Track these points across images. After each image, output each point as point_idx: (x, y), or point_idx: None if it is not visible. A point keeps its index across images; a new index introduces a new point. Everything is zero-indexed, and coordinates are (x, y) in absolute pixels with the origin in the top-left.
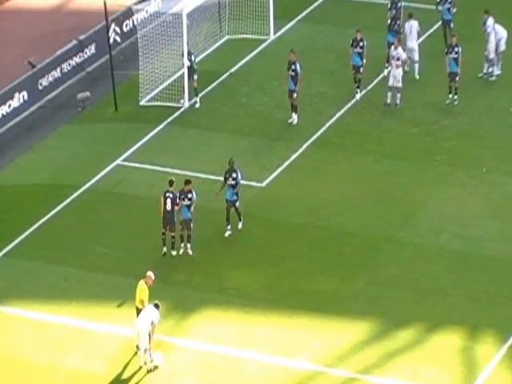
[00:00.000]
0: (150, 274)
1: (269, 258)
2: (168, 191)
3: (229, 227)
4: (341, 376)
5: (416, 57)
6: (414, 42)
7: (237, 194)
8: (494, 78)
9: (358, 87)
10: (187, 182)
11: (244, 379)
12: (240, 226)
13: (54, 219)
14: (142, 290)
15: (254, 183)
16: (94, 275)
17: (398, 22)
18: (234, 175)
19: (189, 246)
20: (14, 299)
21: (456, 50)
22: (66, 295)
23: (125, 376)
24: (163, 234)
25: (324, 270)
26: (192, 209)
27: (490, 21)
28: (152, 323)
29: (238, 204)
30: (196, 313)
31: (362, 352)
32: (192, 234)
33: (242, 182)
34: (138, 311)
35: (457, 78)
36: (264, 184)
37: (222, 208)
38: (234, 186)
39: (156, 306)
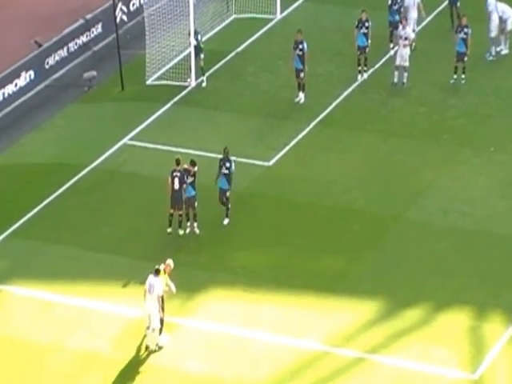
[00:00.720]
0: (169, 261)
1: (275, 238)
2: (175, 170)
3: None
4: (348, 356)
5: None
6: (415, 13)
7: (229, 183)
8: (501, 53)
9: (366, 65)
10: (192, 162)
11: (250, 359)
12: (226, 222)
13: (60, 199)
14: (164, 280)
15: (260, 162)
16: (100, 255)
17: (399, 1)
18: (227, 164)
19: (195, 224)
20: (19, 279)
21: (465, 30)
22: (72, 275)
23: (129, 356)
24: (170, 214)
25: (331, 249)
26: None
27: (492, 0)
28: (158, 296)
29: (228, 194)
30: (202, 292)
31: (369, 332)
32: (197, 212)
33: (249, 161)
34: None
35: (465, 59)
36: (271, 163)
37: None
38: (226, 175)
39: (156, 271)
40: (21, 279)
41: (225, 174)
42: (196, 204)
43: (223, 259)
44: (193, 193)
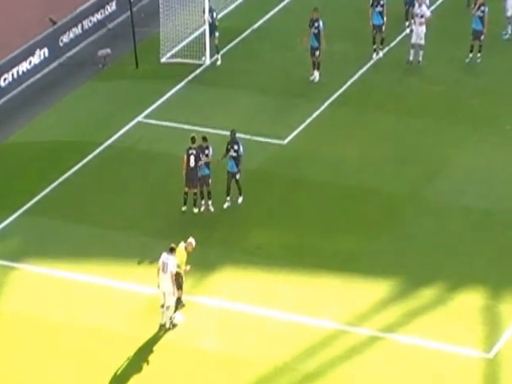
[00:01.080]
0: (191, 240)
1: (290, 216)
2: (191, 148)
3: (228, 198)
4: (363, 335)
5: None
6: None
7: (237, 165)
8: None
9: (382, 44)
10: (204, 138)
11: (264, 337)
12: (240, 200)
13: (74, 177)
14: (181, 253)
15: (275, 140)
16: (114, 233)
17: None
18: (235, 147)
19: (210, 202)
20: (33, 257)
21: (482, 8)
22: (86, 253)
23: (143, 334)
24: (185, 192)
25: (346, 228)
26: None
27: None
28: (171, 274)
29: (238, 176)
30: (216, 271)
31: (384, 310)
32: (211, 190)
33: (264, 139)
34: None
35: (481, 37)
36: (285, 142)
37: (245, 165)
38: (235, 158)
39: (171, 249)
40: (35, 257)
41: (233, 157)
42: (210, 182)
43: (237, 238)
44: (207, 171)
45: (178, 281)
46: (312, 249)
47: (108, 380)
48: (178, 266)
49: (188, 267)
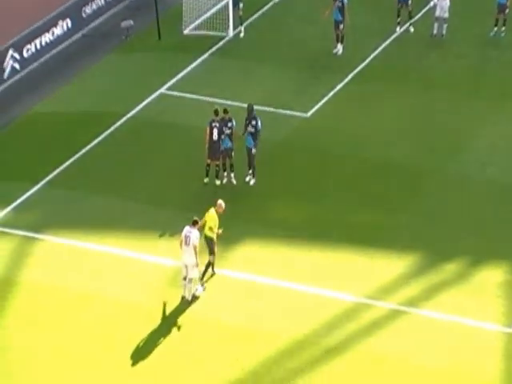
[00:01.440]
0: (220, 202)
1: (313, 190)
2: (214, 120)
3: (250, 172)
4: (384, 308)
5: None
6: None
7: (254, 140)
8: None
9: (410, 18)
10: (225, 110)
11: (285, 310)
12: (252, 182)
13: (96, 148)
14: (212, 217)
15: (298, 113)
16: (136, 205)
17: None
18: (253, 122)
19: (232, 175)
20: (55, 228)
21: None
22: (109, 225)
23: (166, 306)
24: (208, 164)
25: (369, 202)
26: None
27: None
28: (194, 246)
29: (254, 151)
30: (238, 243)
31: (405, 285)
32: (234, 163)
33: (287, 112)
34: (206, 238)
35: (506, 11)
36: (308, 114)
37: (268, 137)
38: (252, 134)
39: (194, 222)
40: (58, 228)
41: (251, 133)
42: (233, 155)
43: (260, 211)
44: (229, 144)
45: (210, 246)
46: (334, 222)
47: (129, 352)
48: (211, 230)
49: (220, 231)
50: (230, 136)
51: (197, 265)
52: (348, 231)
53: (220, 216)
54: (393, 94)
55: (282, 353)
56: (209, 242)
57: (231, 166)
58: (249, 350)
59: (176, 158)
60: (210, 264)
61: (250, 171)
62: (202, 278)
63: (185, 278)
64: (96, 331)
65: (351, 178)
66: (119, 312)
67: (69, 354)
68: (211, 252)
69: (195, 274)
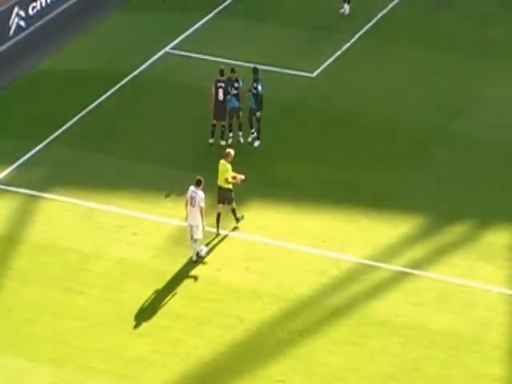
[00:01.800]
0: (228, 150)
1: (319, 151)
2: (219, 80)
3: (252, 131)
4: (391, 270)
5: None
6: None
7: (255, 102)
8: None
9: None
10: (232, 70)
11: (291, 271)
12: (256, 144)
13: (101, 107)
14: (225, 168)
15: (303, 73)
16: (141, 165)
17: None
18: (254, 84)
19: (240, 133)
20: (60, 187)
21: None
22: (114, 184)
23: (171, 266)
24: (213, 125)
25: (375, 162)
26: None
27: None
28: (200, 207)
29: (258, 115)
30: (244, 204)
31: (412, 247)
32: (242, 122)
33: (292, 72)
34: (222, 190)
35: None
36: (314, 74)
37: (273, 98)
38: (254, 95)
39: (198, 182)
40: (62, 187)
41: (253, 94)
42: (241, 114)
43: (266, 171)
44: (236, 104)
45: (229, 196)
46: (341, 183)
47: (134, 312)
48: (226, 181)
49: (243, 176)
50: (236, 96)
51: (202, 226)
52: (354, 192)
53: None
54: (399, 53)
55: (286, 314)
56: (226, 194)
57: (239, 125)
58: (252, 310)
59: (180, 118)
60: (234, 209)
61: (254, 132)
62: (237, 220)
63: (192, 238)
64: (101, 291)
65: (357, 137)
66: (124, 271)
67: (74, 313)
68: (230, 201)
69: (200, 234)
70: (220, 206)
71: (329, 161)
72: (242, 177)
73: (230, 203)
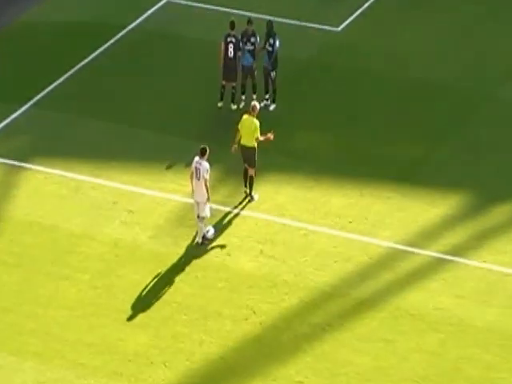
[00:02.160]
0: (255, 103)
1: (343, 117)
2: (230, 35)
3: (267, 97)
4: (426, 256)
5: None
6: None
7: (270, 60)
8: None
9: None
10: (249, 22)
11: (312, 256)
12: (272, 108)
13: (93, 65)
14: (255, 125)
15: (327, 27)
16: (139, 131)
17: None
18: (271, 41)
19: (254, 96)
20: (45, 156)
21: None
22: (108, 154)
23: (172, 248)
24: (222, 86)
25: (410, 131)
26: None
27: None
28: (205, 180)
29: (273, 75)
30: (257, 178)
31: (453, 230)
32: (256, 83)
33: (314, 25)
34: (246, 149)
35: None
36: (339, 29)
37: (290, 55)
38: (269, 53)
39: (202, 151)
40: (48, 157)
41: (267, 51)
42: (256, 74)
43: (284, 141)
44: (251, 61)
45: (251, 158)
46: (370, 155)
47: (131, 301)
48: (252, 138)
49: (272, 135)
50: (251, 52)
51: (208, 201)
52: (385, 165)
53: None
54: (439, 7)
55: (305, 305)
56: (250, 153)
57: (254, 86)
58: (267, 301)
59: (184, 78)
60: (252, 179)
61: (268, 95)
62: (250, 193)
63: (198, 217)
64: (92, 276)
65: (388, 102)
66: (119, 254)
67: (61, 302)
68: (252, 164)
69: (207, 211)
70: (246, 165)
71: (354, 129)
72: (272, 136)
73: (252, 166)
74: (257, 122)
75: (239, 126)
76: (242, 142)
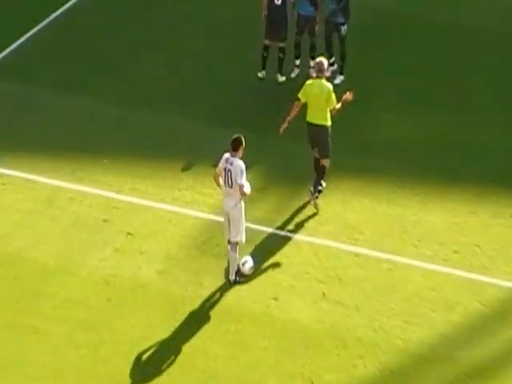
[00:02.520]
0: (320, 59)
1: (440, 91)
2: None
3: (333, 60)
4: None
5: None
6: None
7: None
8: None
9: None
10: None
11: (399, 302)
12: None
13: (72, 12)
14: (327, 91)
15: None
16: (138, 114)
17: None
18: None
19: (312, 63)
20: (4, 153)
21: None
22: (92, 147)
23: (189, 289)
24: (265, 47)
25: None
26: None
27: None
28: (241, 186)
29: (344, 31)
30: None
31: None
32: (316, 42)
33: None
34: (315, 128)
35: None
36: None
37: (366, 4)
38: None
39: (235, 144)
40: (9, 153)
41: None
42: (317, 28)
43: (355, 130)
44: (311, 10)
45: (325, 140)
46: (481, 151)
47: (128, 368)
48: (325, 114)
49: (350, 95)
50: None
51: (242, 220)
52: (508, 168)
53: (271, 139)
54: None
55: (390, 375)
56: (320, 136)
57: (312, 47)
58: (332, 368)
59: (207, 34)
60: (324, 171)
61: (333, 59)
62: (314, 193)
63: (229, 242)
64: (72, 329)
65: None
66: (111, 297)
67: (26, 367)
68: (326, 151)
69: (242, 235)
70: (316, 153)
71: (458, 111)
72: (350, 96)
73: (325, 154)
74: (330, 86)
75: (301, 96)
76: (309, 118)
